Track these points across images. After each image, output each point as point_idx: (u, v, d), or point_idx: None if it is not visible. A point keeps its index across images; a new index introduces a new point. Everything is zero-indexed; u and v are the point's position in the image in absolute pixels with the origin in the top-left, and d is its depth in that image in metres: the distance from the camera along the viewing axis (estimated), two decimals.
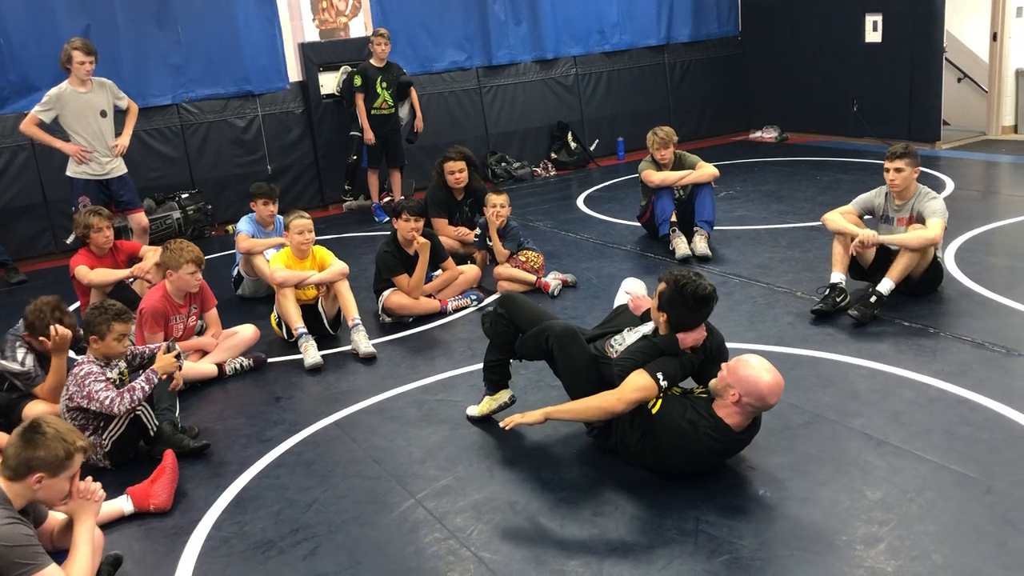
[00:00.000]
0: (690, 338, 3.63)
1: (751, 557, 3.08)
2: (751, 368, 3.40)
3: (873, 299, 5.04)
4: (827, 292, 5.23)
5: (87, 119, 6.70)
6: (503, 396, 4.22)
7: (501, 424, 3.69)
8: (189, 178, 8.80)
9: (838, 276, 5.25)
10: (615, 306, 4.42)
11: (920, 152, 5.54)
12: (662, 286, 3.64)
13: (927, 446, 3.67)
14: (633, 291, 4.11)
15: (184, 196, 8.54)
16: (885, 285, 5.08)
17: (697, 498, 3.45)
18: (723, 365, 3.51)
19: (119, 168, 6.96)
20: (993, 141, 10.11)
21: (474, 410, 4.28)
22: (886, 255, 5.21)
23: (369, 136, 8.56)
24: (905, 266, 5.07)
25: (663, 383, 3.50)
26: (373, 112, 8.55)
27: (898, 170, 5.18)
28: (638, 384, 3.50)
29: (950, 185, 8.04)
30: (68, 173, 6.85)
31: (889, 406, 4.06)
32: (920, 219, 5.18)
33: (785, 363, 4.42)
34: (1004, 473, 3.42)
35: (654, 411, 3.52)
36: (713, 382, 3.53)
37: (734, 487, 3.53)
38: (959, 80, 10.77)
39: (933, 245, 5.10)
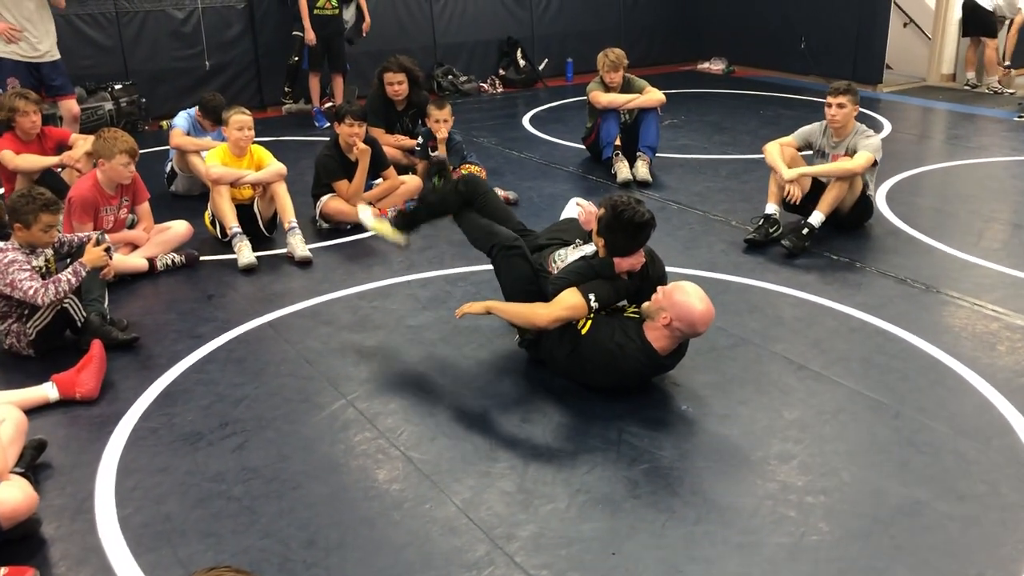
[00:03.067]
0: (626, 263, 3.66)
1: (670, 467, 3.20)
2: (686, 295, 3.47)
3: (805, 231, 5.17)
4: (760, 222, 5.34)
5: None
6: (401, 239, 4.42)
7: (456, 314, 3.77)
8: (123, 69, 8.49)
9: (772, 207, 5.36)
10: (562, 219, 4.45)
11: (862, 94, 5.62)
12: (601, 211, 3.66)
13: (844, 372, 3.83)
14: (585, 205, 4.14)
15: (117, 87, 8.22)
16: (816, 217, 5.20)
17: (622, 410, 3.55)
18: (659, 288, 3.58)
19: (52, 52, 6.70)
20: (932, 88, 10.30)
21: (369, 219, 4.55)
22: (819, 189, 5.32)
23: (310, 36, 8.31)
24: (834, 198, 5.19)
25: (594, 304, 3.55)
26: (316, 12, 8.30)
27: (840, 106, 5.26)
28: (568, 303, 3.55)
29: (887, 127, 8.21)
30: None
31: (812, 333, 4.20)
32: (854, 155, 5.29)
33: (715, 288, 4.53)
34: (912, 400, 3.60)
35: (583, 331, 3.58)
36: (647, 304, 3.60)
37: (658, 402, 3.64)
38: (905, 25, 10.88)
39: (855, 175, 5.19)
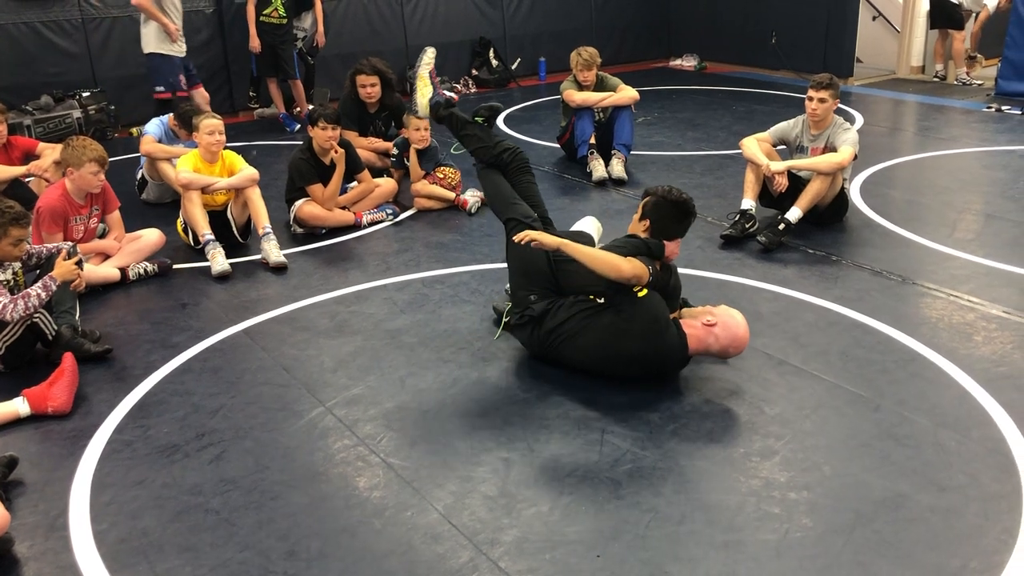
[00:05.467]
0: (669, 248, 3.77)
1: (652, 467, 3.18)
2: (736, 315, 3.69)
3: (781, 226, 5.17)
4: (737, 218, 5.34)
5: None
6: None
7: (516, 239, 3.64)
8: (91, 76, 8.37)
9: (748, 203, 5.36)
10: (573, 229, 4.61)
11: None
12: (648, 198, 3.81)
13: (824, 366, 3.83)
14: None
15: (85, 95, 8.12)
16: (794, 213, 5.21)
17: (603, 411, 3.54)
18: (709, 308, 3.74)
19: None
20: (902, 80, 10.38)
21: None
22: (796, 184, 5.33)
23: (254, 43, 8.26)
24: (814, 195, 5.20)
25: (651, 277, 3.61)
26: (262, 19, 8.23)
27: (821, 100, 5.27)
28: (639, 264, 3.58)
29: (859, 120, 8.26)
30: (158, 51, 7.19)
31: (790, 328, 4.21)
32: (834, 149, 5.30)
33: (692, 285, 4.53)
34: (892, 393, 3.61)
35: (640, 295, 3.61)
36: (690, 309, 3.81)
37: (639, 401, 3.62)
38: (874, 18, 10.96)
39: (840, 171, 5.24)
